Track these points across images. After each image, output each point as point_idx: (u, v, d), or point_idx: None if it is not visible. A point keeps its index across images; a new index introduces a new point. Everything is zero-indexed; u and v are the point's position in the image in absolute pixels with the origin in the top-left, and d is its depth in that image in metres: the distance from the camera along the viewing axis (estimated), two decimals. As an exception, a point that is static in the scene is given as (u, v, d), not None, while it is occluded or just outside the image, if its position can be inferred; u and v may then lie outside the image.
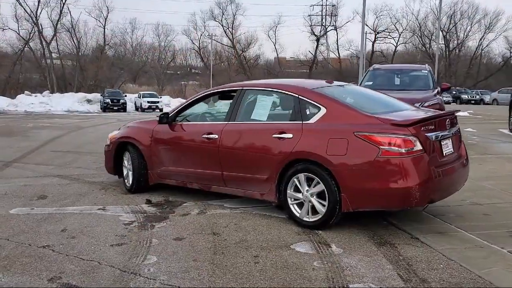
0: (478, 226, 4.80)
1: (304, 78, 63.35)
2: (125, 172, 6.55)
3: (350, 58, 69.77)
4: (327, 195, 4.51)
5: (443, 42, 63.52)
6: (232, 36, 67.12)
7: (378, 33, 64.41)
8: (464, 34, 62.51)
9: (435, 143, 4.49)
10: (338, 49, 68.30)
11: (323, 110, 4.70)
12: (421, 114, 4.75)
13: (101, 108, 40.27)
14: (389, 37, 64.08)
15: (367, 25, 61.62)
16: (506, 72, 61.96)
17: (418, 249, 4.17)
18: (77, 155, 9.99)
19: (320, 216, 4.61)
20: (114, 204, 5.86)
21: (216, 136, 5.37)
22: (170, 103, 46.47)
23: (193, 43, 70.04)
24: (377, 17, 65.49)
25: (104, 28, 62.47)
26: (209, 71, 63.88)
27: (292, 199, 4.82)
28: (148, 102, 40.83)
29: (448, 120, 4.76)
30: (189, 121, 5.98)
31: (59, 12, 55.52)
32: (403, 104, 5.27)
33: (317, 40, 66.42)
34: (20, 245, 4.40)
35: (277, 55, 70.17)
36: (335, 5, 65.60)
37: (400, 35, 64.76)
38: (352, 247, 4.23)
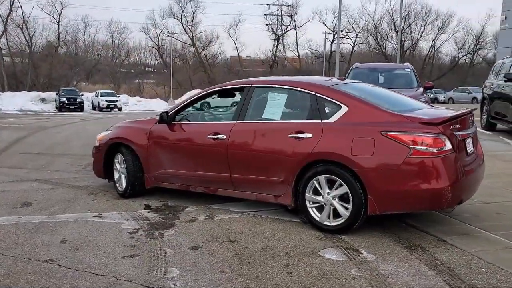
0: (498, 226, 4.71)
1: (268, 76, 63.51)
2: (116, 176, 6.12)
3: (306, 58, 70.36)
4: (351, 198, 4.29)
5: (398, 43, 64.98)
6: (192, 34, 66.21)
7: (336, 33, 65.02)
8: (418, 35, 64.22)
9: (461, 142, 4.35)
10: (297, 48, 68.81)
11: (344, 108, 4.47)
12: (445, 112, 4.60)
13: (56, 107, 38.86)
14: (346, 37, 64.98)
15: (325, 25, 62.43)
16: (456, 72, 64.21)
17: (451, 252, 4.02)
18: (51, 157, 9.38)
19: (343, 220, 4.39)
20: (110, 210, 5.44)
21: (224, 137, 5.06)
22: (128, 102, 45.42)
23: (152, 40, 68.68)
24: (335, 17, 66.17)
25: (59, 24, 60.36)
26: (167, 69, 62.74)
27: (311, 202, 4.57)
28: (107, 101, 39.81)
29: (470, 118, 4.65)
30: (189, 121, 5.63)
31: (9, 6, 53.10)
32: (416, 102, 5.13)
33: (277, 39, 66.59)
34: (19, 260, 3.95)
35: (238, 53, 69.88)
36: (290, 5, 66.03)
37: (357, 35, 65.88)
38: (383, 252, 4.03)
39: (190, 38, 66.13)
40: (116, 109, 39.14)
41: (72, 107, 37.90)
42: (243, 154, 4.94)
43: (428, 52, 63.89)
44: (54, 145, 11.34)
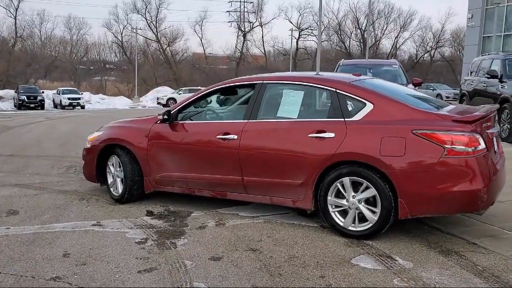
0: (521, 227, 4.59)
1: (232, 73, 63.29)
2: (110, 180, 5.68)
3: (269, 55, 70.23)
4: (379, 201, 4.05)
5: (361, 40, 65.85)
6: (157, 30, 64.90)
7: (302, 30, 65.43)
8: (380, 33, 65.16)
9: (490, 141, 4.18)
10: (263, 45, 68.58)
11: (369, 106, 4.22)
12: (473, 110, 4.42)
13: (15, 106, 37.31)
14: (312, 34, 65.25)
15: (291, 22, 62.45)
16: (417, 70, 65.54)
17: (487, 256, 3.84)
18: (26, 160, 8.76)
19: (370, 225, 4.14)
20: (109, 217, 5.01)
21: (235, 137, 4.72)
22: (91, 100, 44.10)
23: (115, 36, 66.84)
24: (300, 15, 66.55)
25: (16, 19, 57.98)
26: (129, 65, 61.33)
27: (333, 206, 4.30)
28: (69, 99, 38.48)
29: (495, 116, 4.49)
30: (193, 120, 5.26)
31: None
32: (435, 99, 4.95)
33: (244, 36, 66.18)
34: (21, 278, 3.52)
35: (204, 50, 68.97)
36: (252, 1, 65.80)
37: (321, 33, 66.12)
38: (419, 258, 3.81)
39: (155, 34, 64.83)
40: (79, 107, 37.89)
41: (32, 105, 36.40)
42: (256, 155, 4.62)
43: (391, 50, 64.92)
44: (26, 147, 10.65)
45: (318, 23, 27.26)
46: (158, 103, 41.42)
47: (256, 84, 4.90)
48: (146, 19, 64.46)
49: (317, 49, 27.11)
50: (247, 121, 4.75)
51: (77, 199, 5.80)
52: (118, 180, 5.54)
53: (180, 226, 4.68)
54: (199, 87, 44.90)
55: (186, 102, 5.26)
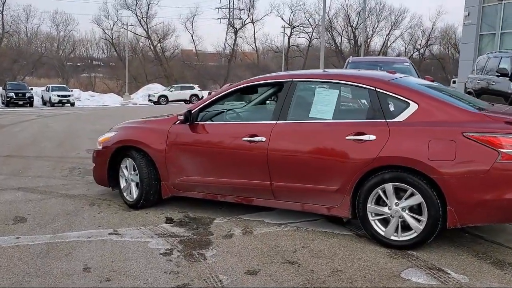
0: None
1: (224, 71, 62.78)
2: (123, 184, 5.33)
3: (258, 51, 69.77)
4: (426, 209, 3.76)
5: (352, 38, 65.83)
6: (147, 26, 64.11)
7: (294, 27, 65.17)
8: (372, 31, 65.12)
9: None
10: (255, 42, 68.18)
11: (413, 106, 3.92)
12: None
13: (3, 103, 36.59)
14: (303, 31, 65.05)
15: (283, 19, 62.10)
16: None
17: (545, 269, 3.57)
18: (25, 161, 8.35)
19: (414, 235, 3.85)
20: (125, 225, 4.67)
21: (263, 139, 4.40)
22: (80, 97, 43.40)
23: (105, 32, 65.86)
24: (292, 12, 66.26)
25: (2, 14, 56.88)
26: (117, 62, 60.63)
27: (373, 214, 4.01)
28: (59, 96, 37.73)
29: None
30: (214, 121, 4.93)
31: None
32: (474, 98, 4.67)
33: (235, 32, 65.72)
34: (42, 297, 3.17)
35: (195, 47, 68.30)
36: (243, -2, 65.35)
37: (313, 30, 66.05)
38: (472, 271, 3.53)
39: (145, 31, 64.04)
40: (69, 105, 37.23)
41: (21, 102, 35.70)
42: (287, 158, 4.31)
43: (382, 47, 64.90)
44: (22, 146, 10.22)
45: (321, 21, 26.97)
46: (150, 100, 40.89)
47: (284, 82, 4.58)
48: (136, 15, 63.75)
49: (320, 46, 26.79)
50: (276, 122, 4.44)
51: (87, 204, 5.44)
52: (133, 184, 5.19)
53: (205, 235, 4.36)
54: (191, 84, 44.58)
55: (207, 102, 4.92)
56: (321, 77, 4.53)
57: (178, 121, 4.93)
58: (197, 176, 4.82)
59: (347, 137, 4.04)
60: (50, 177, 6.90)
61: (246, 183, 4.56)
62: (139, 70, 59.93)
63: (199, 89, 42.29)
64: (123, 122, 5.80)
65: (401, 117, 3.94)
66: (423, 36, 64.86)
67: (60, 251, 3.99)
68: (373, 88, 4.12)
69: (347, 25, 64.34)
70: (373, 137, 3.94)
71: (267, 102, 5.20)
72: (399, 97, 4.01)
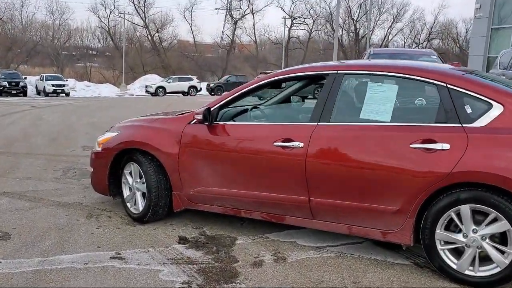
0: None
1: (223, 62, 61.51)
2: (126, 193, 4.52)
3: (253, 43, 68.56)
4: (513, 239, 2.97)
5: (352, 31, 65.00)
6: (145, 15, 62.74)
7: (294, 19, 64.07)
8: (373, 23, 64.14)
9: None
10: (254, 33, 67.03)
11: (498, 108, 3.11)
12: None
13: (-5, 92, 35.47)
14: (304, 23, 64.00)
15: (283, 10, 61.05)
16: (409, 61, 64.67)
17: None
18: (14, 158, 7.50)
19: (496, 270, 3.06)
20: (130, 245, 3.86)
21: (301, 144, 3.59)
22: (75, 87, 42.35)
23: (102, 21, 64.47)
24: (293, 3, 65.05)
25: (-5, 0, 55.50)
26: (113, 52, 59.35)
27: (443, 242, 3.21)
28: (53, 85, 36.67)
29: None
30: (236, 121, 4.12)
31: None
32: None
33: (235, 23, 64.55)
34: None
35: (194, 37, 67.02)
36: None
37: (314, 22, 65.02)
38: None
39: (143, 20, 62.71)
40: (64, 95, 36.23)
41: (14, 91, 34.59)
42: (331, 170, 3.50)
43: (383, 41, 64.00)
44: (11, 142, 9.34)
45: (336, 11, 26.02)
46: (147, 91, 39.89)
47: (328, 74, 3.74)
48: (134, 3, 62.37)
49: (334, 37, 25.89)
50: (316, 123, 3.61)
51: (84, 215, 4.62)
52: (138, 194, 4.38)
53: (228, 262, 3.55)
54: (189, 76, 43.56)
55: (229, 98, 4.09)
56: (376, 69, 3.66)
57: (195, 120, 4.10)
58: (217, 187, 4.00)
59: (411, 145, 3.23)
60: (41, 180, 6.06)
61: (277, 197, 3.75)
62: (136, 60, 58.71)
63: (198, 80, 41.32)
64: (127, 120, 4.96)
65: (481, 122, 3.13)
66: (422, 30, 64.11)
67: (50, 283, 3.18)
68: (444, 84, 3.29)
69: (348, 17, 63.34)
70: (446, 146, 3.13)
71: (305, 98, 4.37)
72: (479, 96, 3.19)
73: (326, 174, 3.52)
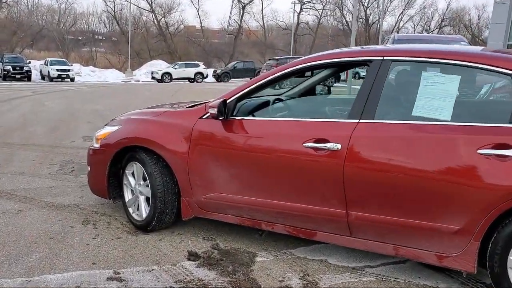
0: None
1: (230, 48, 60.52)
2: (128, 196, 3.93)
3: (260, 29, 67.37)
4: None
5: (363, 17, 63.82)
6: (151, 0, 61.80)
7: (303, 4, 62.86)
8: (385, 9, 62.86)
9: None
10: (263, 18, 65.89)
11: None
12: None
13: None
14: (314, 8, 62.81)
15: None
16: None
17: None
18: (8, 150, 6.92)
19: None
20: (131, 262, 3.27)
21: (338, 146, 2.96)
22: (81, 72, 41.73)
23: (107, 5, 63.50)
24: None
25: (2, -16, 54.66)
26: (119, 37, 58.49)
27: (516, 271, 2.59)
28: (58, 70, 36.05)
29: None
30: (259, 116, 3.49)
31: None
32: None
33: (243, 8, 63.40)
34: None
35: (201, 22, 65.92)
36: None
37: (323, 7, 63.81)
38: None
39: (149, 4, 61.62)
40: (68, 80, 35.65)
41: (18, 76, 34.11)
42: (375, 178, 2.87)
43: (394, 28, 62.82)
44: (8, 131, 8.76)
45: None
46: (153, 77, 39.20)
47: (371, 61, 3.09)
48: (140, -14, 61.42)
49: (352, 23, 25.01)
50: (357, 121, 2.98)
51: (79, 221, 4.03)
52: (141, 198, 3.78)
53: (247, 284, 2.95)
54: (195, 62, 42.79)
55: (249, 89, 3.45)
56: (431, 55, 2.98)
57: (208, 114, 3.47)
58: (234, 194, 3.39)
59: (479, 151, 2.59)
60: (35, 175, 5.48)
61: (307, 209, 3.13)
62: (142, 45, 57.86)
63: (204, 67, 40.56)
64: (129, 112, 4.35)
65: None
66: (432, 17, 62.91)
67: (32, 315, 2.59)
68: (522, 76, 2.65)
69: (358, 3, 62.02)
70: (525, 153, 2.49)
71: (342, 90, 3.72)
72: None
73: (369, 183, 2.89)
